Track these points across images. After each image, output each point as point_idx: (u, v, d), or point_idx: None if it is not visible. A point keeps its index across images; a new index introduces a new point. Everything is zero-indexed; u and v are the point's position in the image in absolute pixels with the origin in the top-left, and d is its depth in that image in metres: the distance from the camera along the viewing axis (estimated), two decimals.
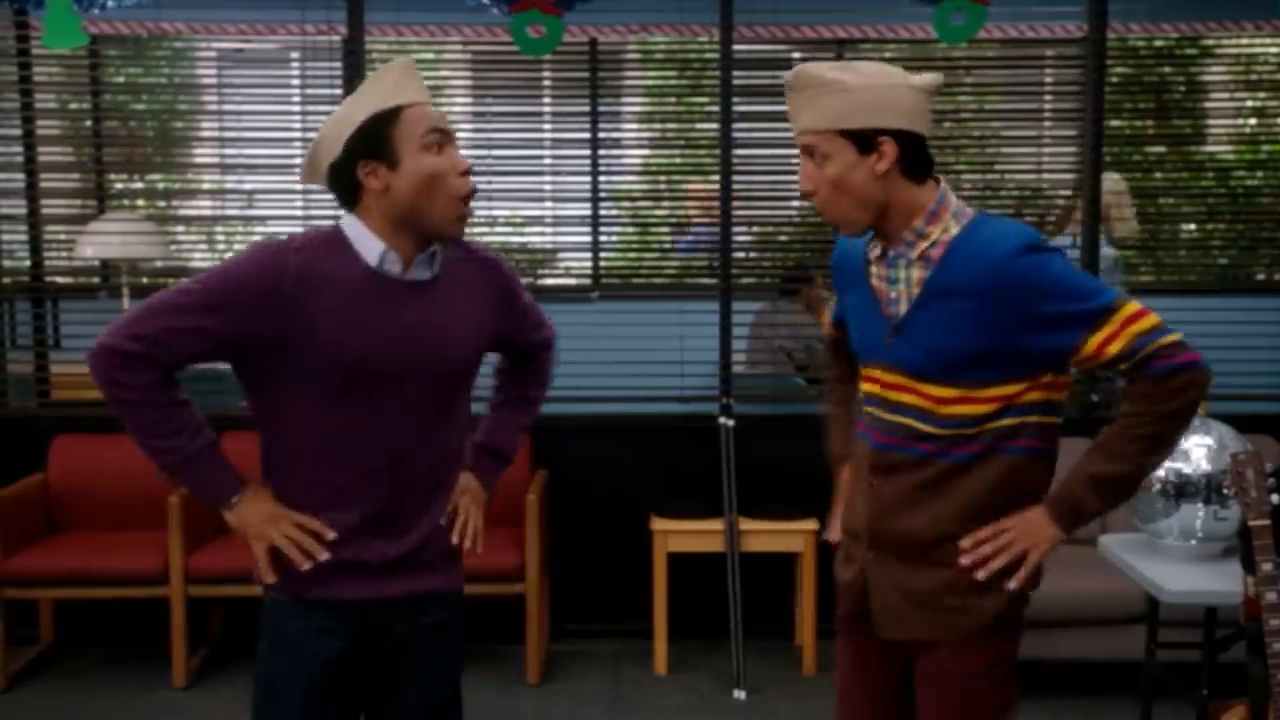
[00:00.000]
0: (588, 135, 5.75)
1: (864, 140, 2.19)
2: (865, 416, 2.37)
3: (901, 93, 2.20)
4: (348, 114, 2.23)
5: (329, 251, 2.24)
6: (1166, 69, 6.22)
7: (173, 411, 2.34)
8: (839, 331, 2.56)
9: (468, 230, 2.34)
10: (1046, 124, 5.80)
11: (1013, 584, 2.28)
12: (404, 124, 2.21)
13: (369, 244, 2.24)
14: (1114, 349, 2.18)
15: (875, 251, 2.31)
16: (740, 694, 4.62)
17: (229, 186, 5.93)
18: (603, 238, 5.83)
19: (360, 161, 2.22)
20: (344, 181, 2.25)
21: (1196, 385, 2.22)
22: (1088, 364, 2.22)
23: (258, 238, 6.33)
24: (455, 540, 2.40)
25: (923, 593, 2.31)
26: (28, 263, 5.53)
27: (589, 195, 5.67)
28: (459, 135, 6.31)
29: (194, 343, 2.23)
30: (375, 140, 2.21)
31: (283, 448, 2.31)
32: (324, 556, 2.25)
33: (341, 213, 2.30)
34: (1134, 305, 2.20)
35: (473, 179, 2.27)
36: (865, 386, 2.36)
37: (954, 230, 2.23)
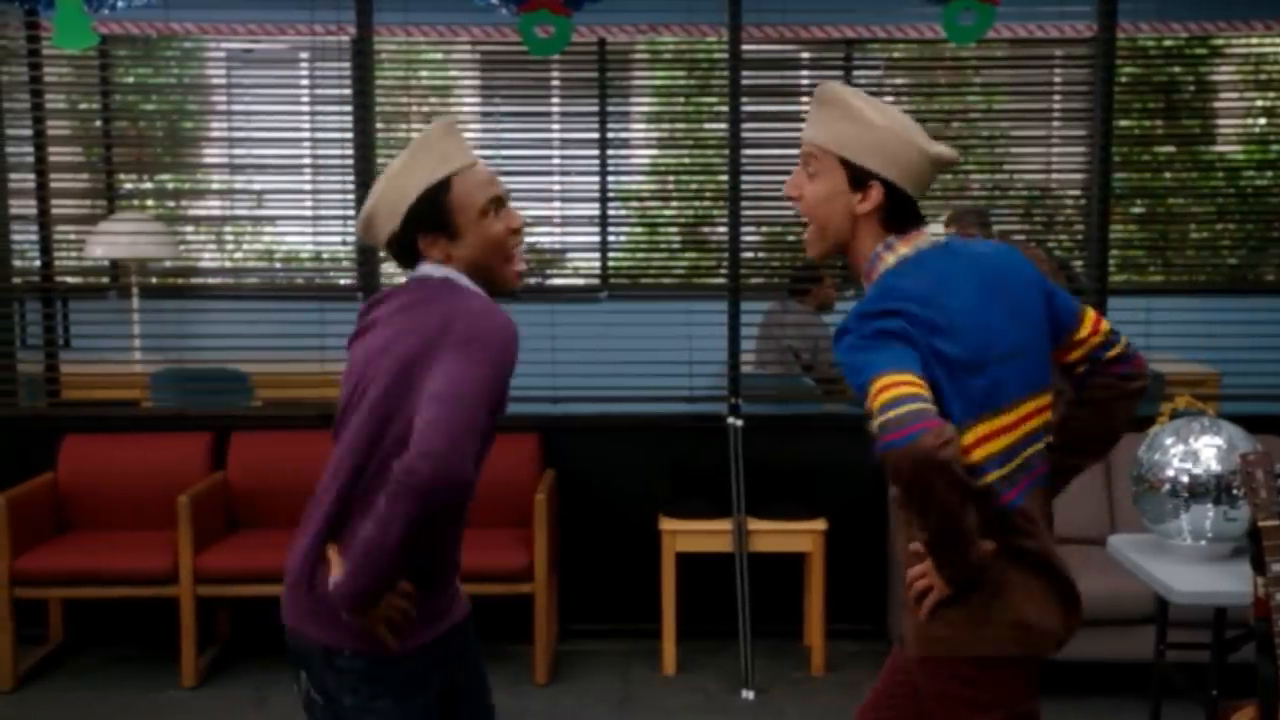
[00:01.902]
0: (596, 135, 5.76)
1: (858, 176, 2.22)
2: None
3: (912, 150, 2.22)
4: (401, 185, 2.26)
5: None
6: (1176, 69, 6.21)
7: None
8: None
9: None
10: (1055, 124, 5.79)
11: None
12: (457, 194, 2.26)
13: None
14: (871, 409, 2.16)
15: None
16: (748, 694, 4.62)
17: (238, 187, 5.95)
18: (611, 238, 5.84)
19: (420, 234, 2.27)
20: (408, 250, 2.31)
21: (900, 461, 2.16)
22: None
23: (267, 237, 6.38)
24: None
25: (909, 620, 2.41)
26: (38, 263, 5.54)
27: (597, 195, 5.68)
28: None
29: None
30: (432, 214, 2.26)
31: None
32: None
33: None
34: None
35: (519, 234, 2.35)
36: None
37: (866, 288, 2.31)
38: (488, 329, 2.20)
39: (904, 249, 2.26)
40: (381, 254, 5.38)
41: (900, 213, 2.25)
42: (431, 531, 2.16)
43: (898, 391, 2.09)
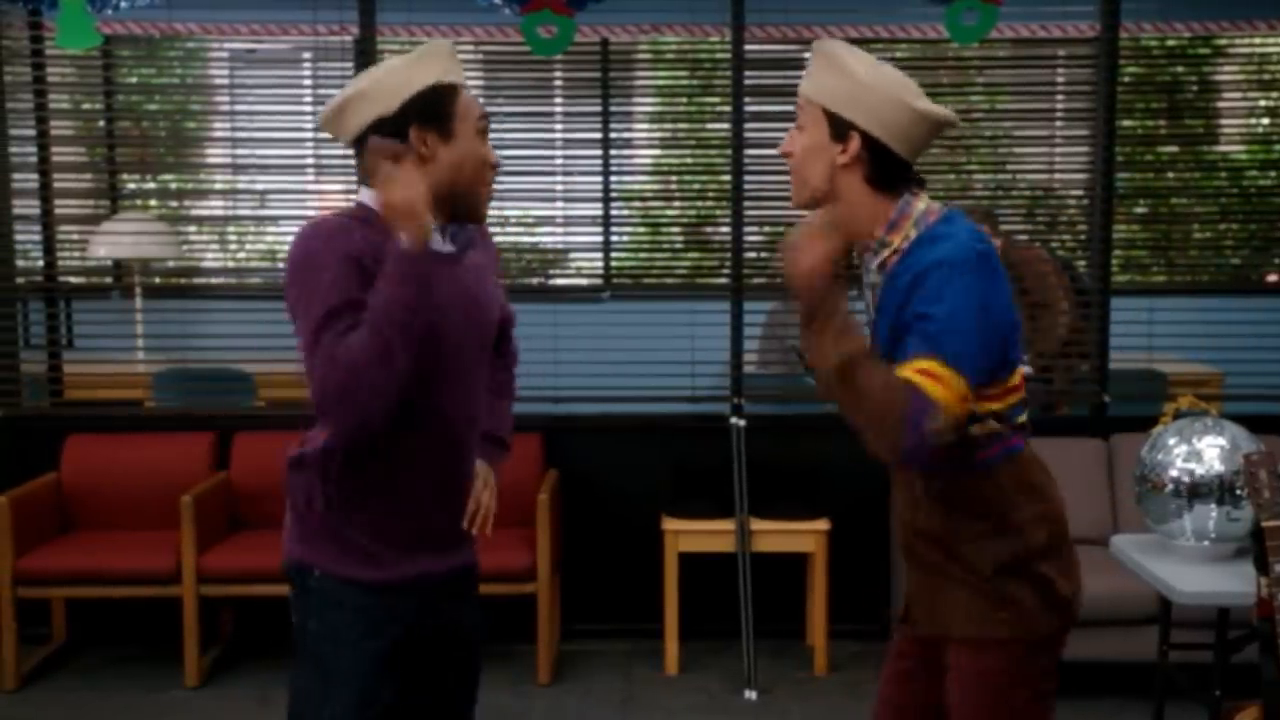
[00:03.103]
0: (599, 135, 5.75)
1: (839, 127, 2.22)
2: None
3: (900, 108, 2.20)
4: (406, 75, 2.24)
5: (374, 227, 2.23)
6: (1179, 68, 6.21)
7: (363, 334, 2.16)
8: None
9: None
10: (1058, 124, 5.78)
11: None
12: (463, 103, 2.27)
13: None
14: (910, 377, 2.10)
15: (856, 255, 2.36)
16: (751, 694, 4.62)
17: (241, 187, 5.95)
18: (614, 238, 5.83)
19: (415, 125, 2.23)
20: (382, 136, 2.23)
21: (901, 428, 2.10)
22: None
23: (270, 238, 6.37)
24: (473, 529, 2.45)
25: (935, 599, 2.42)
26: (41, 262, 5.55)
27: (600, 195, 5.67)
28: None
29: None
30: (436, 109, 2.24)
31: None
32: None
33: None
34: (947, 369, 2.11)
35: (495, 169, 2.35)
36: None
37: (912, 237, 2.24)
38: (293, 265, 2.22)
39: (930, 202, 2.27)
40: None
41: (887, 171, 2.23)
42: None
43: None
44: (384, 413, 2.16)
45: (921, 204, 2.25)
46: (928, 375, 2.09)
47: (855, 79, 2.20)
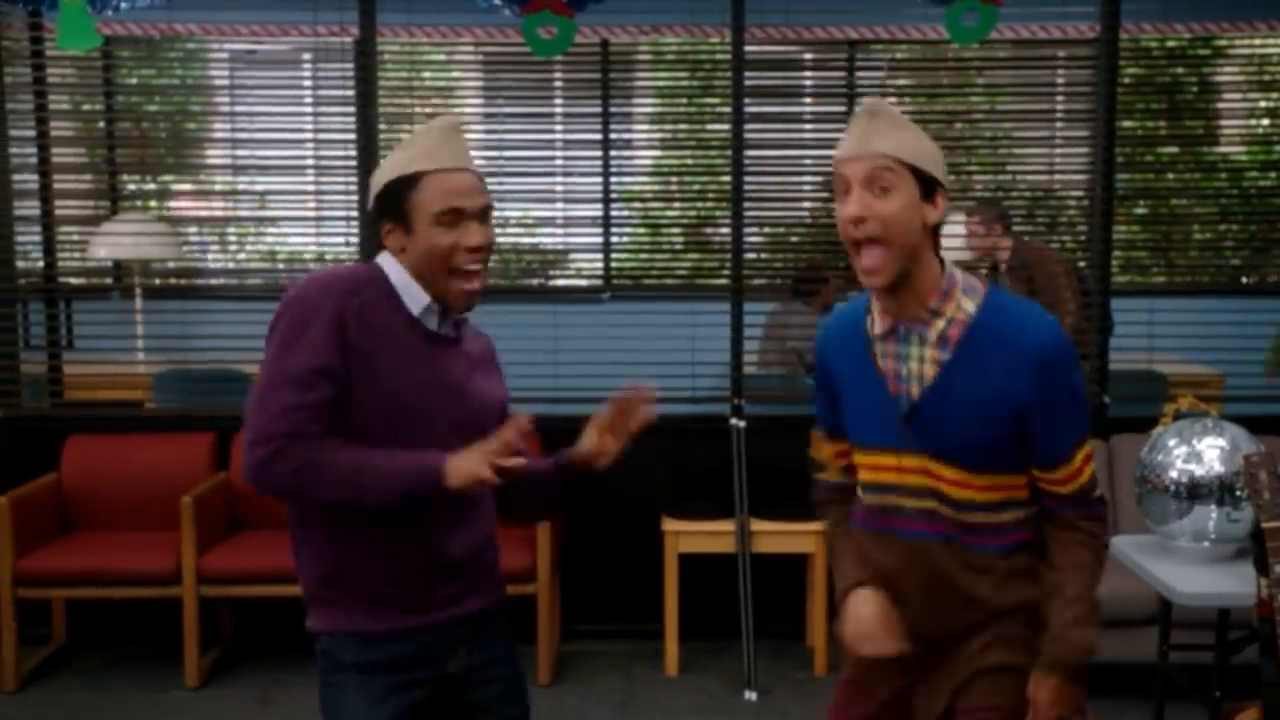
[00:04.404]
0: (599, 136, 5.76)
1: (928, 186, 2.12)
2: (875, 507, 2.27)
3: (941, 156, 2.19)
4: (384, 166, 2.30)
5: (378, 295, 2.26)
6: (1179, 69, 6.21)
7: (343, 463, 2.20)
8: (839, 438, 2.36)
9: None
10: (1058, 125, 5.79)
11: None
12: (422, 192, 2.23)
13: (414, 294, 2.28)
14: (1085, 477, 2.18)
15: (880, 328, 2.19)
16: (751, 695, 4.62)
17: (241, 188, 5.95)
18: (614, 239, 5.84)
19: (382, 220, 2.28)
20: (378, 233, 2.32)
21: (1105, 546, 2.25)
22: (1051, 481, 2.18)
23: (270, 239, 6.39)
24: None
25: (965, 658, 2.26)
26: (41, 263, 5.55)
27: (600, 196, 5.68)
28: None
29: (330, 409, 2.20)
30: (394, 203, 2.25)
31: None
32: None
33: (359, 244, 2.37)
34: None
35: (477, 252, 2.25)
36: (873, 475, 2.27)
37: (970, 309, 2.14)
38: (287, 302, 2.23)
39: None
40: None
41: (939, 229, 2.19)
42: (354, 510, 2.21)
43: None
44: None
45: (959, 271, 2.19)
46: (1090, 461, 2.19)
47: (923, 136, 2.14)
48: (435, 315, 2.29)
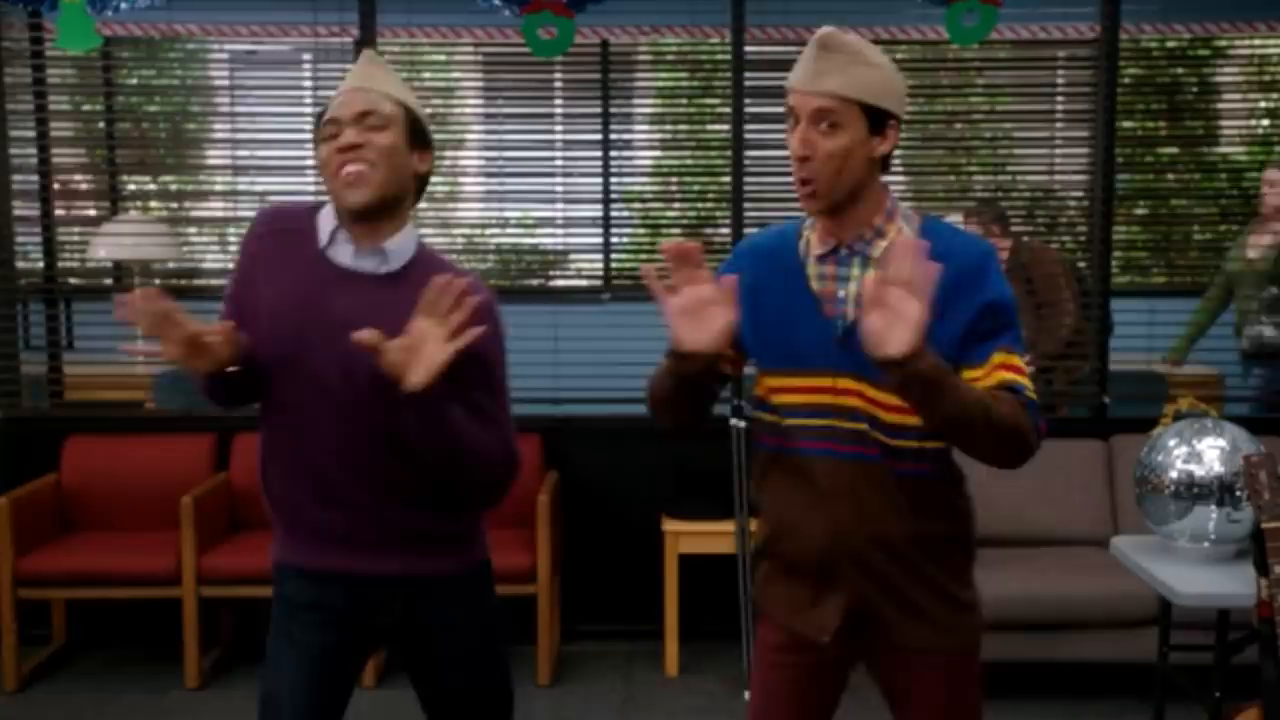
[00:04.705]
0: (599, 137, 5.75)
1: (877, 119, 2.13)
2: (804, 430, 2.23)
3: (902, 83, 2.19)
4: None
5: (298, 225, 2.32)
6: (1179, 70, 6.21)
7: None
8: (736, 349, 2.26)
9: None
10: (1058, 125, 5.79)
11: None
12: (323, 121, 2.31)
13: (326, 222, 2.30)
14: (1004, 376, 2.13)
15: (820, 249, 2.21)
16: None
17: (241, 188, 5.95)
18: (614, 239, 5.83)
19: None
20: None
21: (1032, 438, 2.14)
22: (973, 380, 2.13)
23: None
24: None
25: (919, 604, 2.25)
26: (41, 264, 5.55)
27: (600, 197, 5.67)
28: (470, 137, 6.35)
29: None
30: (316, 131, 2.34)
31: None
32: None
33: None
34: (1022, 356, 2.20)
35: (349, 152, 2.25)
36: (803, 398, 2.22)
37: (908, 231, 2.18)
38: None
39: None
40: None
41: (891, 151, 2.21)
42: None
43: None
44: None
45: (896, 199, 2.25)
46: (1019, 371, 2.13)
47: (881, 67, 2.14)
48: (348, 243, 2.28)
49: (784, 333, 2.22)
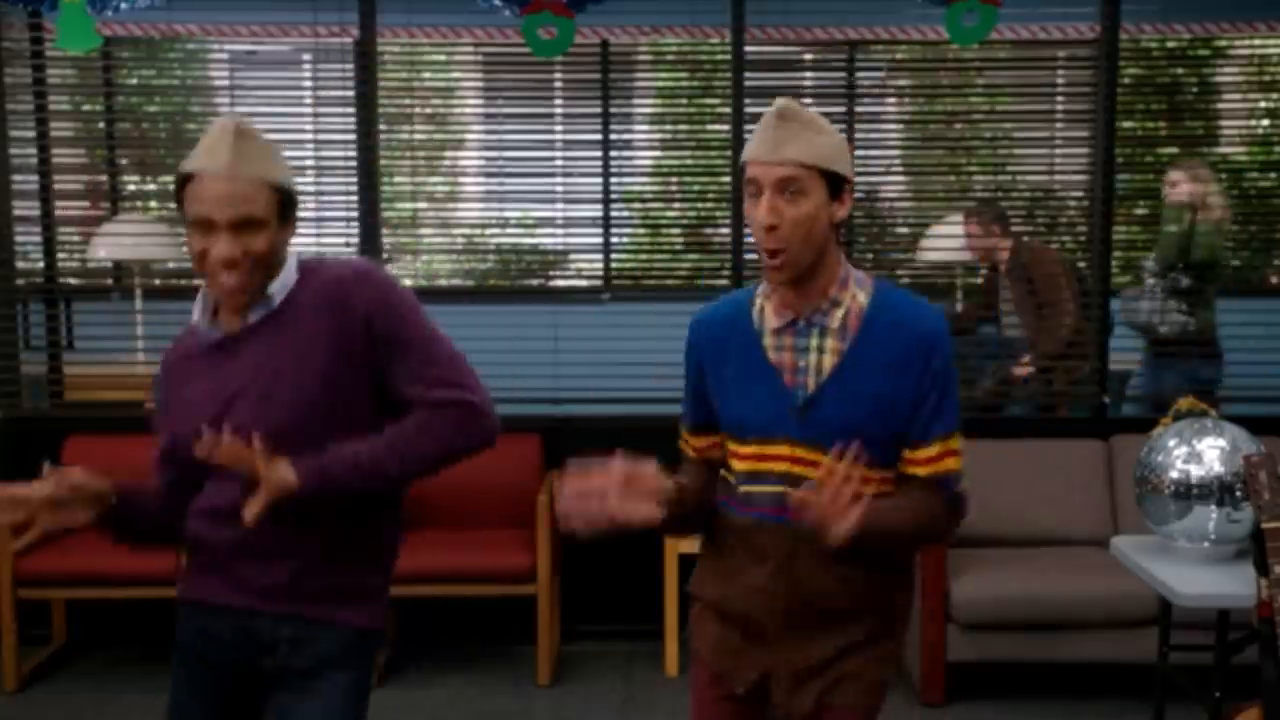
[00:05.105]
0: (599, 137, 5.75)
1: (835, 184, 2.17)
2: (757, 496, 2.27)
3: (848, 150, 2.23)
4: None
5: (186, 332, 2.35)
6: (1179, 70, 6.21)
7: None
8: (707, 434, 2.40)
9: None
10: (1058, 125, 5.79)
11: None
12: (187, 196, 2.20)
13: (198, 316, 2.30)
14: (946, 465, 2.23)
15: (778, 321, 2.24)
16: None
17: None
18: (614, 239, 5.83)
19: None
20: None
21: (949, 531, 2.39)
22: (913, 461, 2.23)
23: None
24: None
25: (825, 660, 2.28)
26: (41, 264, 5.55)
27: (600, 197, 5.67)
28: (470, 137, 6.34)
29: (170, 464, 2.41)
30: (179, 199, 2.24)
31: None
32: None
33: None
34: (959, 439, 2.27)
35: (226, 265, 2.19)
36: (757, 465, 2.26)
37: (862, 298, 2.22)
38: None
39: None
40: (384, 254, 5.38)
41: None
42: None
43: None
44: None
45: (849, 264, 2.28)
46: (956, 455, 2.24)
47: (833, 134, 2.18)
48: (217, 326, 2.29)
49: (743, 403, 2.27)
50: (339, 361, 2.20)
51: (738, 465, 2.30)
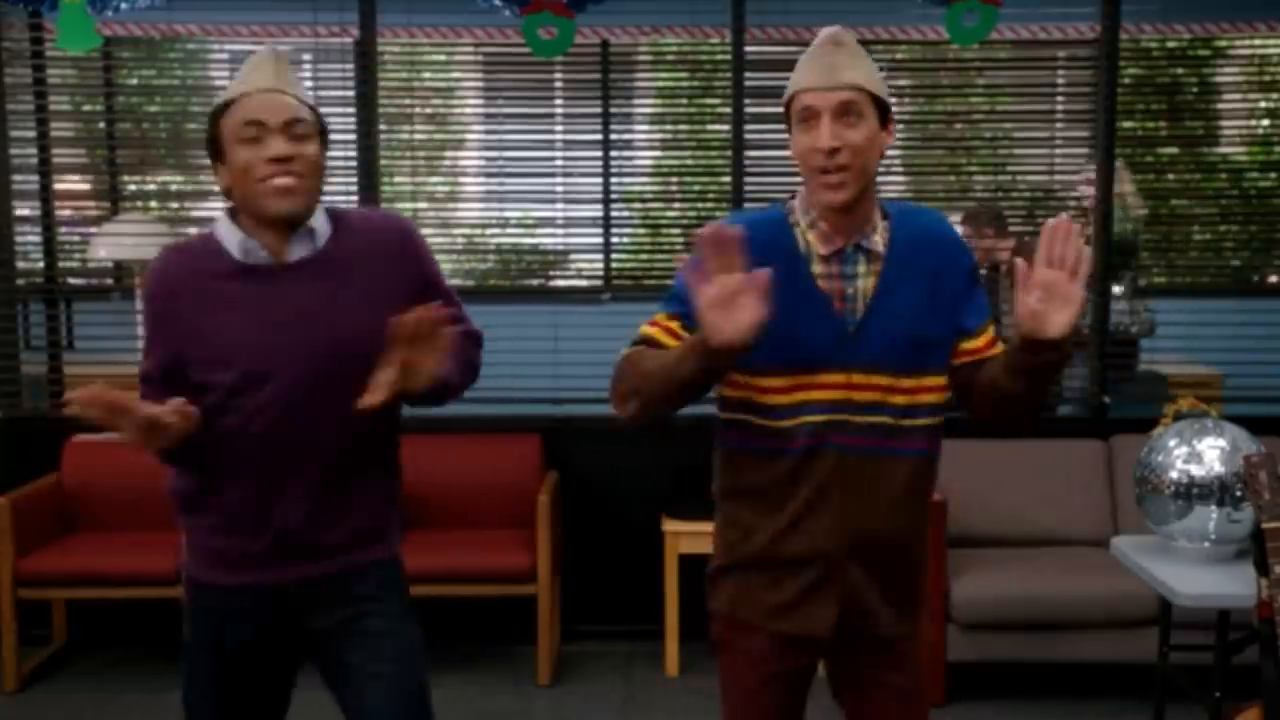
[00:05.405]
0: (599, 137, 5.75)
1: (884, 112, 2.20)
2: (802, 428, 2.22)
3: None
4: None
5: (199, 255, 2.29)
6: (1179, 70, 6.20)
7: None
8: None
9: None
10: (1058, 125, 5.79)
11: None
12: (230, 118, 2.23)
13: (231, 238, 2.27)
14: (1000, 347, 2.29)
15: (827, 249, 2.22)
16: None
17: None
18: (614, 239, 5.83)
19: (212, 163, 2.29)
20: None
21: None
22: (976, 354, 2.27)
23: None
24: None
25: (902, 591, 2.34)
26: (42, 264, 5.55)
27: (600, 197, 5.67)
28: (470, 137, 6.34)
29: (166, 384, 2.27)
30: (211, 139, 2.26)
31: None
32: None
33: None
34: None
35: (280, 163, 2.21)
36: (804, 396, 2.21)
37: (885, 219, 2.26)
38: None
39: None
40: None
41: None
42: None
43: None
44: None
45: None
46: (998, 342, 2.30)
47: (872, 62, 2.22)
48: (263, 249, 2.26)
49: (794, 333, 2.18)
50: (393, 313, 2.18)
51: (779, 399, 2.23)
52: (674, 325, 2.23)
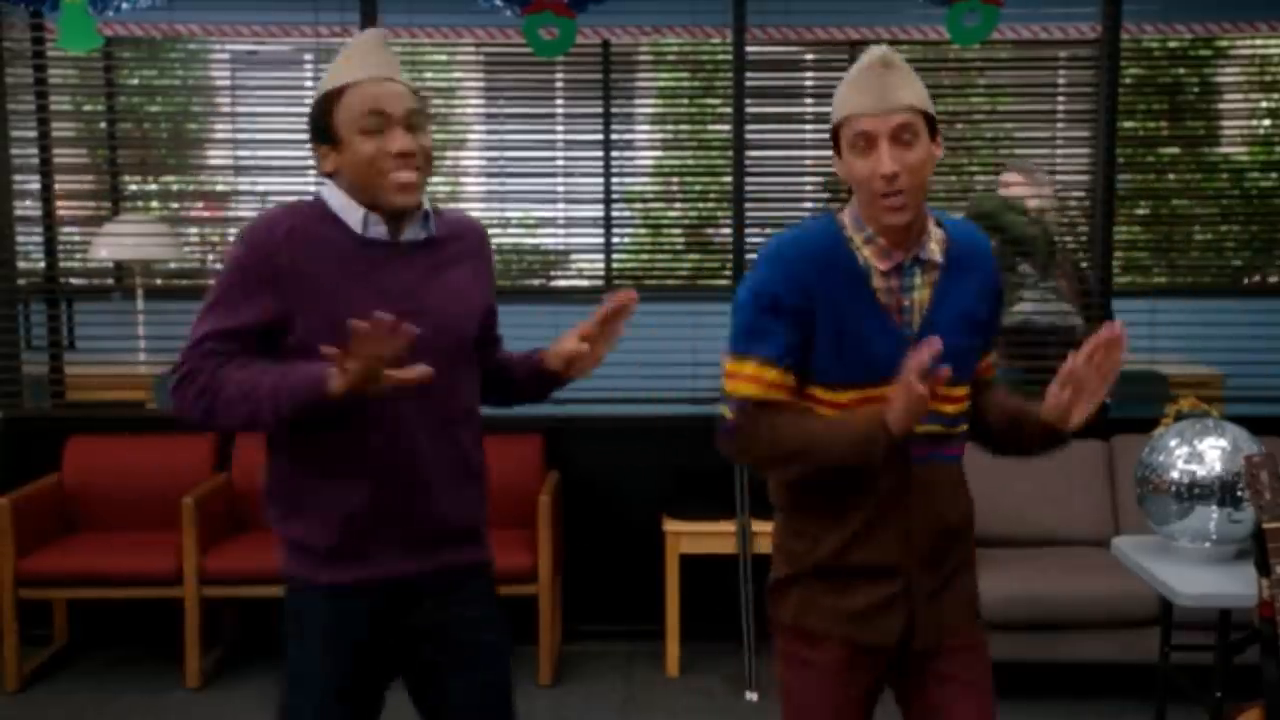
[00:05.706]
0: (600, 137, 5.75)
1: (933, 127, 2.23)
2: None
3: None
4: (319, 87, 2.30)
5: (317, 220, 2.27)
6: (1180, 70, 6.20)
7: (237, 379, 2.22)
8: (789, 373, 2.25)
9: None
10: (1059, 125, 5.78)
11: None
12: (345, 106, 2.23)
13: (352, 212, 2.26)
14: (993, 371, 2.46)
15: (887, 263, 2.24)
16: (752, 695, 4.62)
17: (243, 188, 5.95)
18: (615, 239, 5.83)
19: (314, 144, 2.28)
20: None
21: None
22: (982, 372, 2.41)
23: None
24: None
25: (965, 591, 2.39)
26: (42, 264, 5.55)
27: (601, 197, 5.67)
28: (471, 137, 6.34)
29: (244, 341, 2.23)
30: (320, 123, 2.26)
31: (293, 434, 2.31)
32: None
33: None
34: None
35: (404, 158, 2.23)
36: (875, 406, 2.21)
37: (934, 229, 2.30)
38: (240, 236, 2.27)
39: None
40: None
41: None
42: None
43: None
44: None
45: None
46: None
47: (919, 78, 2.23)
48: (383, 224, 2.27)
49: (862, 346, 2.23)
50: (483, 305, 2.41)
51: (832, 414, 2.25)
52: (772, 375, 2.24)
